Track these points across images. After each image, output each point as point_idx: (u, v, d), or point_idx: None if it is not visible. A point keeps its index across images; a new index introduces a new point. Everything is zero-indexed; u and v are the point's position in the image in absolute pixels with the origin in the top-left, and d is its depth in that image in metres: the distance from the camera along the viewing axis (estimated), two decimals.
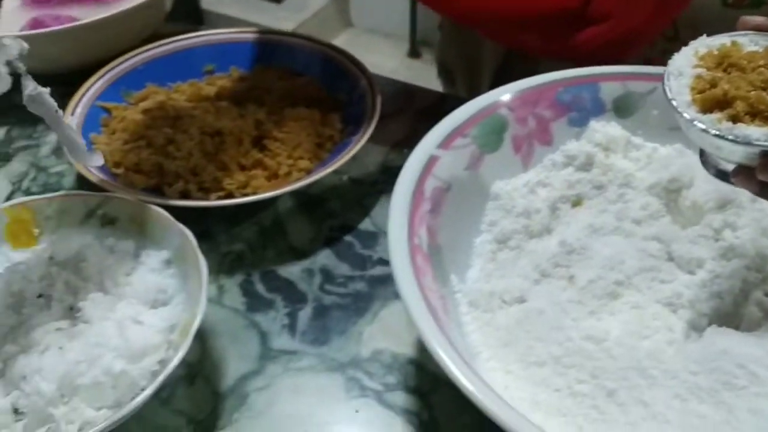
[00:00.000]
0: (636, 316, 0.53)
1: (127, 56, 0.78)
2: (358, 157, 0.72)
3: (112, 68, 0.77)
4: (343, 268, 0.63)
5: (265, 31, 0.81)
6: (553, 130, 0.63)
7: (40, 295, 0.55)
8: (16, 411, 0.49)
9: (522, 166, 0.63)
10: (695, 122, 0.44)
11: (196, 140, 0.67)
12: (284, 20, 2.40)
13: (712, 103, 0.44)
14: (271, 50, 0.80)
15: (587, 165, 0.62)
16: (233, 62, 0.80)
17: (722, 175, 0.48)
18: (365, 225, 0.66)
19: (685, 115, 0.45)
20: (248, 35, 0.81)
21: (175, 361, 0.48)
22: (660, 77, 0.47)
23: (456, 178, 0.58)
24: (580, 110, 0.63)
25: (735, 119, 0.43)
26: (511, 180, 0.62)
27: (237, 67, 0.79)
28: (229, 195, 0.64)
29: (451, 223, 0.57)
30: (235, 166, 0.66)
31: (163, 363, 0.50)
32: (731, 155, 0.45)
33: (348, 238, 0.65)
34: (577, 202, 0.61)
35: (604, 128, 0.63)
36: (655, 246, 0.57)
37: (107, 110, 0.74)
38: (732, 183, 0.46)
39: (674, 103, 0.45)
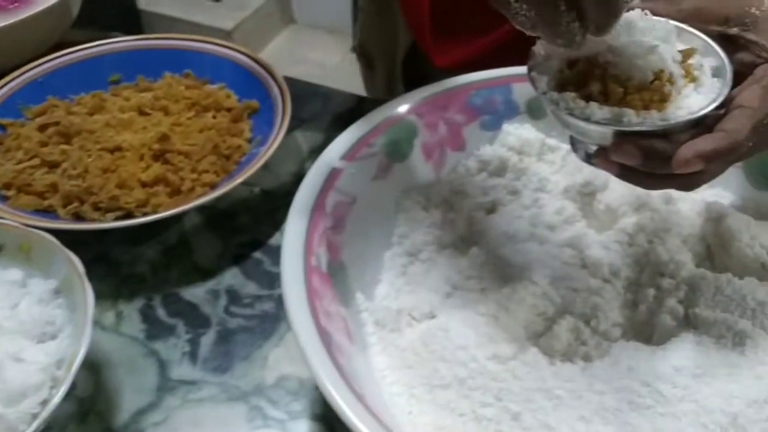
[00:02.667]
0: (549, 328, 0.51)
1: (26, 68, 0.73)
2: (271, 168, 0.69)
3: (10, 81, 0.72)
4: (250, 288, 0.60)
5: (174, 38, 0.78)
6: (465, 135, 0.61)
7: None
8: None
9: (434, 173, 0.60)
10: (551, 100, 0.43)
11: (94, 157, 0.63)
12: (224, 18, 2.35)
13: (570, 83, 0.44)
14: (180, 57, 0.76)
15: (501, 170, 0.60)
16: (141, 71, 0.76)
17: (589, 159, 0.46)
18: (276, 240, 0.63)
19: (543, 93, 0.44)
20: (156, 42, 0.78)
21: (56, 400, 0.45)
22: None
23: (362, 191, 0.56)
24: (493, 113, 0.61)
25: (589, 99, 0.42)
26: (422, 189, 0.59)
27: (144, 76, 0.75)
28: (128, 214, 0.61)
29: (357, 238, 0.54)
30: (135, 183, 0.62)
31: (45, 403, 0.47)
32: (587, 137, 0.44)
33: (257, 254, 0.62)
34: (491, 209, 0.59)
35: (518, 131, 0.61)
36: (569, 252, 0.55)
37: (2, 127, 0.70)
38: (595, 165, 0.45)
39: (535, 82, 0.44)
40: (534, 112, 0.61)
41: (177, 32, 0.79)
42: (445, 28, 0.77)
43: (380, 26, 0.89)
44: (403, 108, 0.58)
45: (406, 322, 0.52)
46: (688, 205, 0.55)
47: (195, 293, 0.59)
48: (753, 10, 0.45)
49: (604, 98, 0.43)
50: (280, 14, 2.53)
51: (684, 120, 0.41)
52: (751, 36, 0.45)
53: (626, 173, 0.44)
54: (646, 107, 0.42)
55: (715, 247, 0.53)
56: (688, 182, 0.43)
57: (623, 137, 0.42)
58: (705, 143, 0.41)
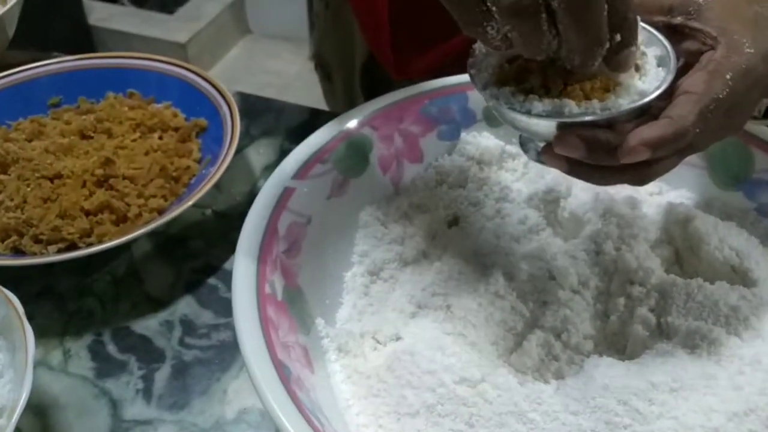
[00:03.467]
0: (519, 344, 0.49)
1: None
2: (223, 188, 0.66)
3: None
4: (206, 316, 0.57)
5: (116, 56, 0.74)
6: (422, 146, 0.59)
7: None
8: None
9: (392, 187, 0.58)
10: (490, 96, 0.42)
11: (33, 186, 0.60)
12: (178, 31, 2.30)
13: (510, 78, 0.42)
14: (123, 76, 0.73)
15: (461, 181, 0.58)
16: (82, 92, 0.72)
17: (539, 156, 0.45)
18: (231, 264, 0.60)
19: (482, 90, 0.42)
20: (98, 61, 0.74)
21: None
22: None
23: (317, 210, 0.53)
24: (450, 122, 0.59)
25: (529, 92, 0.41)
26: (381, 204, 0.57)
27: (86, 97, 0.72)
28: (72, 246, 0.57)
29: (315, 261, 0.52)
30: (78, 212, 0.59)
31: None
32: (532, 132, 0.43)
33: (212, 280, 0.59)
34: (453, 222, 0.57)
35: (476, 140, 0.59)
36: (536, 264, 0.53)
37: None
38: (545, 163, 0.43)
39: (474, 78, 0.43)
40: (492, 119, 0.59)
41: (130, 48, 0.76)
42: (404, 41, 0.75)
43: (336, 36, 0.87)
44: (356, 121, 0.56)
45: (370, 347, 0.50)
46: (653, 209, 0.54)
47: (147, 325, 0.56)
48: None
49: (545, 91, 0.42)
50: (234, 25, 2.49)
51: (627, 108, 0.40)
52: (695, 24, 0.43)
53: (575, 168, 0.42)
54: (587, 98, 0.41)
55: (684, 250, 0.51)
56: (639, 175, 0.42)
57: (565, 129, 0.40)
58: (650, 131, 0.39)
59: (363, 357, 0.49)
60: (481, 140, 0.59)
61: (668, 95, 0.41)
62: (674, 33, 0.44)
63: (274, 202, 0.50)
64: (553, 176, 0.56)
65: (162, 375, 0.53)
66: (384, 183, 0.57)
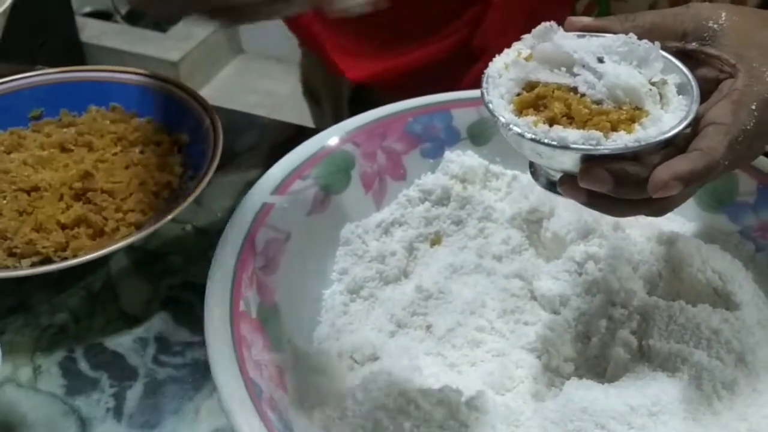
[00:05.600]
0: (499, 366, 0.48)
1: None
2: (204, 204, 0.66)
3: None
4: (181, 334, 0.55)
5: (99, 69, 0.74)
6: (405, 164, 0.58)
7: None
8: None
9: (374, 205, 0.57)
10: (511, 126, 0.40)
11: (9, 198, 0.59)
12: (170, 49, 2.30)
13: (529, 105, 0.40)
14: (106, 89, 0.72)
15: (444, 199, 0.57)
16: (64, 105, 0.71)
17: (552, 186, 0.43)
18: None
19: (501, 118, 0.40)
20: (81, 74, 0.73)
21: None
22: None
23: (297, 226, 0.52)
24: (434, 140, 0.59)
25: (552, 122, 0.39)
26: (362, 221, 0.56)
27: (68, 110, 0.71)
28: (47, 260, 0.56)
29: (293, 278, 0.51)
30: (54, 226, 0.57)
31: None
32: (553, 162, 0.41)
33: (189, 297, 0.58)
34: (435, 241, 0.57)
35: (460, 158, 0.58)
36: (518, 284, 0.52)
37: None
38: (560, 194, 0.42)
39: (491, 105, 0.41)
40: (476, 138, 0.59)
41: (122, 65, 0.75)
42: (342, 48, 0.74)
43: (323, 67, 0.86)
44: (338, 137, 0.56)
45: (347, 366, 0.49)
46: (637, 231, 0.53)
47: (121, 342, 0.55)
48: (711, 24, 0.43)
49: (568, 121, 0.39)
50: (228, 44, 2.50)
51: (657, 140, 0.38)
52: (711, 50, 0.43)
53: (595, 201, 0.40)
54: (614, 128, 0.39)
55: (667, 272, 0.51)
56: (659, 207, 0.41)
57: (591, 162, 0.39)
58: (682, 164, 0.38)
59: (339, 377, 0.48)
60: (465, 159, 0.58)
61: (690, 125, 0.40)
62: (688, 59, 0.43)
63: (252, 218, 0.49)
64: (536, 196, 0.56)
65: (134, 393, 0.52)
66: (366, 200, 0.57)
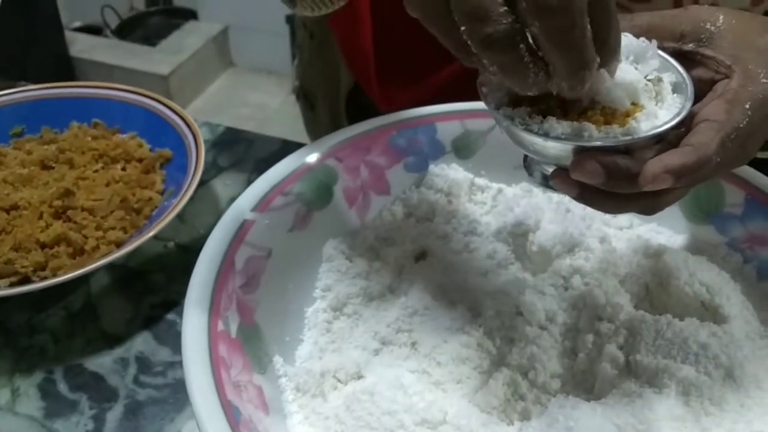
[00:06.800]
0: (484, 383, 0.48)
1: None
2: (187, 220, 0.65)
3: None
4: (162, 354, 0.54)
5: (81, 85, 0.73)
6: (389, 178, 0.57)
7: None
8: None
9: (358, 220, 0.57)
10: (501, 113, 0.40)
11: None
12: (161, 63, 2.30)
13: (524, 97, 0.40)
14: (88, 106, 0.72)
15: (429, 214, 0.57)
16: (46, 122, 0.71)
17: (545, 181, 0.43)
18: None
19: (495, 108, 0.40)
20: (63, 90, 0.73)
21: None
22: None
23: (278, 243, 0.51)
24: (418, 154, 0.58)
25: (546, 114, 0.39)
26: (346, 237, 0.55)
27: (50, 127, 0.70)
28: (25, 279, 0.55)
29: (274, 296, 0.50)
30: (33, 245, 0.57)
31: None
32: (545, 155, 0.40)
33: (171, 316, 0.57)
34: (420, 256, 0.56)
35: (445, 172, 0.58)
36: (503, 299, 0.51)
37: None
38: (553, 188, 0.42)
39: (483, 92, 0.41)
40: (461, 151, 0.58)
41: (112, 80, 0.74)
42: (390, 73, 0.74)
43: (320, 65, 0.85)
44: (320, 152, 0.55)
45: (330, 386, 0.48)
46: (623, 244, 0.53)
47: (101, 363, 0.54)
48: (708, 25, 0.43)
49: (563, 113, 0.40)
50: (218, 58, 2.50)
51: (649, 134, 0.38)
52: (707, 51, 0.43)
53: (586, 195, 0.40)
54: (608, 122, 0.39)
55: (654, 286, 0.50)
56: (651, 204, 0.41)
57: (584, 154, 0.38)
58: (672, 158, 0.38)
59: (322, 397, 0.47)
60: (450, 172, 0.58)
61: (684, 123, 0.40)
62: (685, 60, 0.43)
63: (231, 235, 0.48)
64: (522, 209, 0.55)
65: (114, 415, 0.51)
66: (349, 215, 0.56)
